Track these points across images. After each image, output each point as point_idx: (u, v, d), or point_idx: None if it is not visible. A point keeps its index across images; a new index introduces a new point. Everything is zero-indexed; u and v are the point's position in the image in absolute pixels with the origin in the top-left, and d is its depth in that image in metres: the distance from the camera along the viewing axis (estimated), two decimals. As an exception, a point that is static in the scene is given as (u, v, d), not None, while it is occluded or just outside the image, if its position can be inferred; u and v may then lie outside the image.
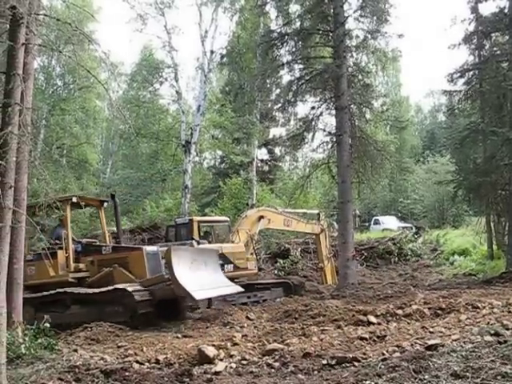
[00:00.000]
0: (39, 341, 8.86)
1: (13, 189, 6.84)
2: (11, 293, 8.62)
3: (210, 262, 13.13)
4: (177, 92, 31.36)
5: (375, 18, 18.73)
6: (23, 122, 6.90)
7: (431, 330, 8.52)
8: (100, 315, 11.73)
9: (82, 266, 13.40)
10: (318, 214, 20.78)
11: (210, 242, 16.33)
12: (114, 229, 15.97)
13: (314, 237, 21.27)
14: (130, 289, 11.91)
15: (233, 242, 16.84)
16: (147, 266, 12.81)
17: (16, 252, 9.13)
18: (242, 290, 14.13)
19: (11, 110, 6.73)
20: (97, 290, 12.31)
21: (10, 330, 7.93)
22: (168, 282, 11.99)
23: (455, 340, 7.37)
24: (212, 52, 30.20)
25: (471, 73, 20.72)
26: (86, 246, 13.95)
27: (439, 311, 10.18)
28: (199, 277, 12.20)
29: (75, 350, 8.91)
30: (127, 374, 7.20)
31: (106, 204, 14.88)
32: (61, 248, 13.17)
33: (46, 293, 12.64)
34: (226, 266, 15.70)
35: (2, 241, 6.56)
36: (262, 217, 18.20)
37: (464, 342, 7.13)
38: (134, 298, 11.71)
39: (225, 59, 32.39)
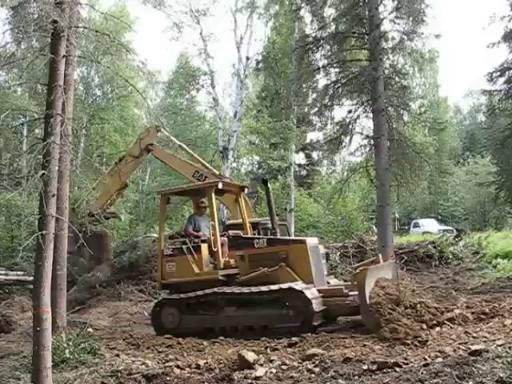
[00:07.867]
0: (82, 345, 9.03)
1: (55, 197, 6.99)
2: (55, 298, 8.83)
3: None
4: (213, 99, 31.56)
5: (411, 18, 18.45)
6: (65, 132, 7.05)
7: (474, 334, 8.33)
8: (263, 319, 10.66)
9: (232, 261, 11.70)
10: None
11: None
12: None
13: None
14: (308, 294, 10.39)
15: None
16: (312, 261, 11.20)
17: (59, 258, 9.38)
18: None
19: (53, 121, 6.88)
20: (265, 288, 10.69)
21: (54, 334, 8.11)
22: (349, 299, 10.59)
23: (500, 345, 7.17)
24: (248, 58, 30.32)
25: (512, 71, 20.34)
26: (234, 238, 12.18)
27: (482, 316, 9.92)
28: None
29: (117, 355, 9.05)
30: (168, 378, 7.31)
31: (246, 190, 13.59)
32: (204, 241, 11.77)
33: (199, 293, 11.25)
34: None
35: (45, 248, 6.71)
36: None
37: (509, 348, 6.93)
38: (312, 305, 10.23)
39: (260, 65, 32.47)
